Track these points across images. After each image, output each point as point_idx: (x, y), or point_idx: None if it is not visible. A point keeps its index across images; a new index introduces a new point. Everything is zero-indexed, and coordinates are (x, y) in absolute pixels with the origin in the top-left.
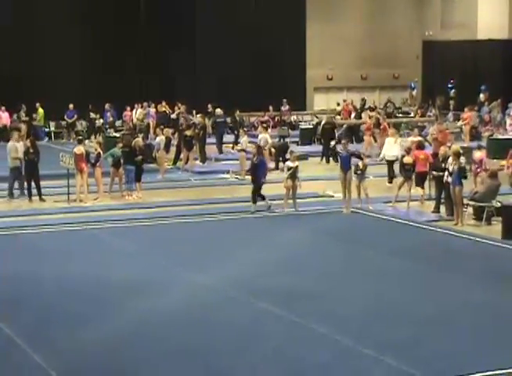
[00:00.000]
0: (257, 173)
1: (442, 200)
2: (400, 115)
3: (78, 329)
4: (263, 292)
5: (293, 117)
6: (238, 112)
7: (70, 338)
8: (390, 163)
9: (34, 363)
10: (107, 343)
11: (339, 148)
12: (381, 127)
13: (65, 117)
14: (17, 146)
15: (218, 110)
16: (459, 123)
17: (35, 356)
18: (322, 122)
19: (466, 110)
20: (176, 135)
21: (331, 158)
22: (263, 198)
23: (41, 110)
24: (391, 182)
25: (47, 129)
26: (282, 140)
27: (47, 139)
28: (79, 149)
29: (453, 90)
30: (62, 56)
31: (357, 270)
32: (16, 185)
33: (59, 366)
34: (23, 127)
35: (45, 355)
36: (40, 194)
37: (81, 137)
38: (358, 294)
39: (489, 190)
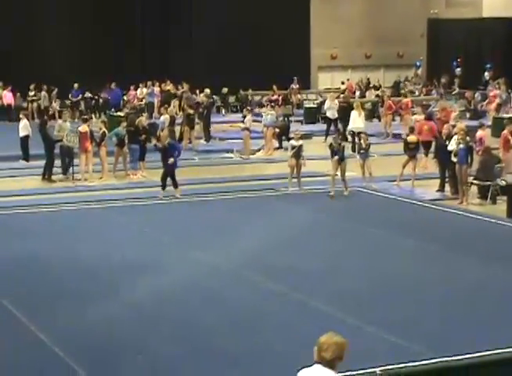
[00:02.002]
0: (168, 157)
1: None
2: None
3: (83, 307)
4: (268, 271)
5: (299, 96)
6: (241, 91)
7: (75, 316)
8: (356, 135)
9: (38, 341)
10: (112, 321)
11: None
12: (385, 105)
13: (69, 96)
14: (67, 125)
15: (207, 91)
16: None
17: (40, 334)
18: (327, 102)
19: (490, 88)
20: (180, 113)
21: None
22: (176, 186)
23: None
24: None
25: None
26: (286, 119)
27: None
28: (84, 127)
29: (458, 68)
30: (64, 35)
31: (361, 249)
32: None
33: (63, 343)
34: (31, 106)
35: (49, 333)
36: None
37: (86, 116)
38: (362, 273)
39: (484, 167)
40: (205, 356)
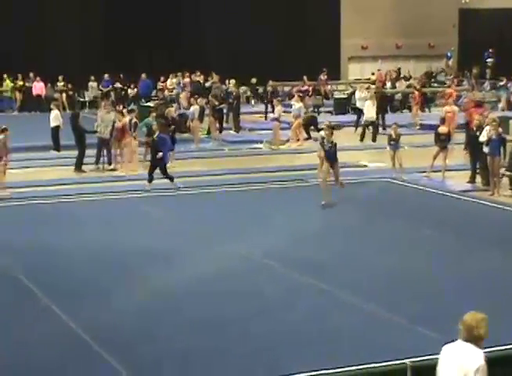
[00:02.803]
0: (156, 151)
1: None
2: (436, 85)
3: (111, 296)
4: (295, 262)
5: (328, 87)
6: (271, 82)
7: (104, 305)
8: (371, 123)
9: (68, 329)
10: (139, 311)
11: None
12: (413, 96)
13: (100, 86)
14: (110, 116)
15: (232, 81)
16: None
17: (71, 323)
18: (357, 92)
19: None
20: (210, 104)
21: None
22: (171, 179)
23: (8, 82)
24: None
25: (82, 99)
26: (316, 110)
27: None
28: (123, 119)
29: (490, 59)
30: (89, 26)
31: (389, 240)
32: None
33: (93, 332)
34: (60, 96)
35: (79, 321)
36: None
37: (131, 108)
38: (389, 264)
39: None
40: (232, 345)
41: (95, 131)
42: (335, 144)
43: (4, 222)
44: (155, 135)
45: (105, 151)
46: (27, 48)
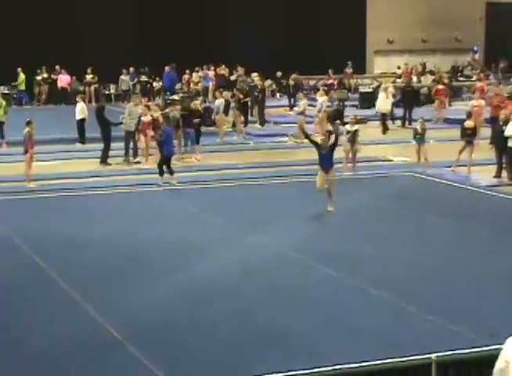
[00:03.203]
0: (165, 144)
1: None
2: (462, 79)
3: (140, 287)
4: (323, 256)
5: (353, 81)
6: (294, 75)
7: (132, 296)
8: (383, 115)
9: (96, 322)
10: (168, 301)
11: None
12: (434, 89)
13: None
14: (138, 110)
15: (254, 74)
16: None
17: (98, 316)
18: (383, 86)
19: None
20: (235, 98)
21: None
22: (171, 172)
23: (22, 75)
24: (384, 132)
25: (107, 91)
26: (341, 103)
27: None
28: (151, 113)
29: None
30: (117, 19)
31: (415, 234)
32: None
33: (121, 324)
34: (88, 89)
35: (102, 313)
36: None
37: (156, 102)
38: (417, 259)
39: None
40: (260, 336)
41: (121, 124)
42: (332, 147)
43: (29, 214)
44: (161, 129)
45: (131, 144)
46: (53, 41)
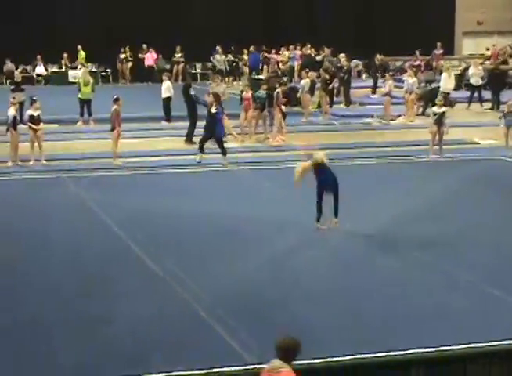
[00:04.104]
0: (216, 123)
1: None
2: None
3: (228, 265)
4: (409, 239)
5: (441, 62)
6: (378, 56)
7: (220, 273)
8: (446, 94)
9: (175, 296)
10: (254, 279)
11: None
12: None
13: (211, 58)
14: (219, 89)
15: (341, 55)
16: None
17: (185, 293)
18: (471, 68)
19: None
20: (320, 78)
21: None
22: (224, 153)
23: (82, 53)
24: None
25: (193, 70)
26: (428, 85)
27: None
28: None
29: None
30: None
31: (503, 220)
32: None
33: (208, 301)
34: (176, 68)
35: (188, 289)
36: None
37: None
38: (505, 243)
39: None
40: (346, 317)
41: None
42: None
43: (115, 191)
44: (213, 108)
45: None
46: (139, 19)
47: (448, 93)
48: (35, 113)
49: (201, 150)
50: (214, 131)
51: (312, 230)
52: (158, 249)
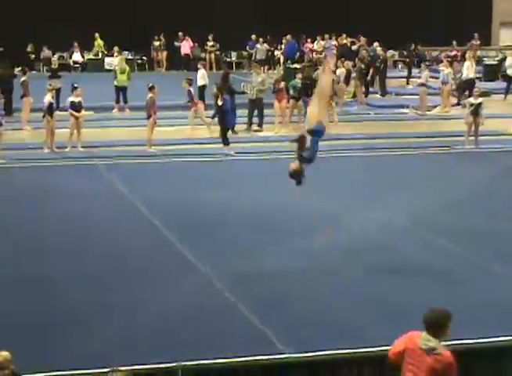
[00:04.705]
0: (224, 115)
1: None
2: None
3: (257, 255)
4: (441, 229)
5: (478, 53)
6: (413, 46)
7: (249, 263)
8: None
9: (213, 288)
10: (284, 271)
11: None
12: None
13: (247, 47)
14: (258, 78)
15: (376, 44)
16: None
17: (216, 282)
18: (508, 59)
19: None
20: (356, 67)
21: None
22: (227, 143)
23: (99, 41)
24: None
25: (229, 59)
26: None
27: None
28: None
29: None
30: None
31: None
32: None
33: (237, 291)
34: (209, 56)
35: (225, 281)
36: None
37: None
38: None
39: None
40: (374, 307)
41: (244, 93)
42: None
43: (150, 178)
44: (219, 100)
45: (255, 112)
46: (174, 7)
47: (470, 79)
48: (76, 100)
49: (226, 143)
50: (224, 121)
51: (344, 221)
52: (192, 237)
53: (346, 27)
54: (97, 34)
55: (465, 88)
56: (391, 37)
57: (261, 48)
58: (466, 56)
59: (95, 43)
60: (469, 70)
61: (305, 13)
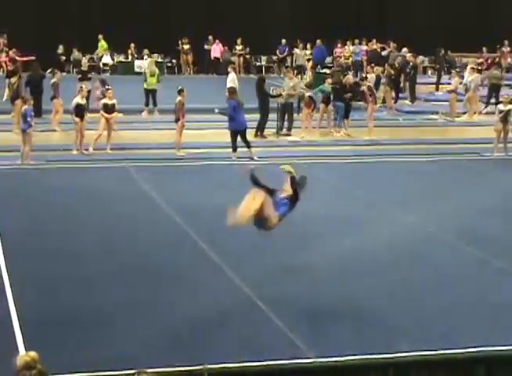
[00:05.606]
0: (237, 117)
1: None
2: None
3: (285, 258)
4: (470, 235)
5: (509, 59)
6: (443, 52)
7: (276, 266)
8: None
9: (240, 291)
10: (313, 274)
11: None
12: None
13: (277, 52)
14: (290, 83)
15: (405, 49)
16: None
17: (241, 284)
18: None
19: None
20: (386, 73)
21: None
22: (235, 149)
23: (103, 43)
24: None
25: (258, 63)
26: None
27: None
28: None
29: None
30: None
31: None
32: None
33: (266, 292)
34: (238, 60)
35: (247, 280)
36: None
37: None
38: None
39: None
40: (402, 310)
41: (279, 96)
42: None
43: (178, 182)
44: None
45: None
46: (203, 10)
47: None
48: (109, 102)
49: (248, 146)
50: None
51: (375, 226)
52: (218, 240)
53: (376, 31)
54: (100, 36)
55: (490, 95)
56: (421, 42)
57: (300, 54)
58: (470, 60)
59: (99, 45)
60: (468, 74)
61: (337, 18)
